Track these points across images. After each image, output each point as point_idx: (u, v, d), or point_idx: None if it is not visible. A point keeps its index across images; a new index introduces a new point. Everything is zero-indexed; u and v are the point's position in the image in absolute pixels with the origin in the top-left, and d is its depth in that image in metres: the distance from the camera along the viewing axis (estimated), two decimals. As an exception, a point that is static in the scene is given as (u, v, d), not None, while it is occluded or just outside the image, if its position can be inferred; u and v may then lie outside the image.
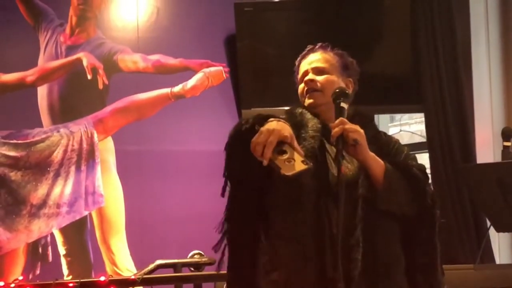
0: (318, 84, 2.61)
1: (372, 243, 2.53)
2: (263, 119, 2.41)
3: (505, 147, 4.14)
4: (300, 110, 2.65)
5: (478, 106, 4.79)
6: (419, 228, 2.64)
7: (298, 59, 2.75)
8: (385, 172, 2.53)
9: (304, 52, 2.75)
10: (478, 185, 3.91)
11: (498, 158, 4.34)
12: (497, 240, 4.55)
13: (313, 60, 2.68)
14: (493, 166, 4.12)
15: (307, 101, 2.63)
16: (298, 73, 2.72)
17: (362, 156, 2.48)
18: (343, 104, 2.49)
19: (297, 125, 2.57)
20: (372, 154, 2.52)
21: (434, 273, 2.67)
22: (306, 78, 2.63)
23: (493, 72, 4.83)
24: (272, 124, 2.32)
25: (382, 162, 2.53)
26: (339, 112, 2.47)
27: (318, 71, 2.65)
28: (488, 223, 4.09)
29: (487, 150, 4.71)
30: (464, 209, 4.44)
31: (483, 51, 4.83)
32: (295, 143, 2.31)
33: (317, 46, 2.75)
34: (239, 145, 2.45)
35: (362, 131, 2.45)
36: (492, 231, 4.23)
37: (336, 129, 2.39)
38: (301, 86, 2.66)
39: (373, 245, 2.54)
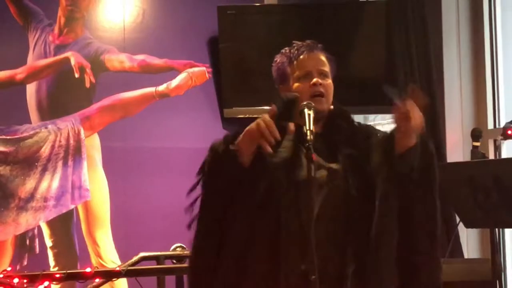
0: (323, 90, 2.60)
1: (362, 226, 2.51)
2: (233, 138, 2.48)
3: (474, 147, 4.18)
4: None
5: (448, 108, 4.84)
6: (417, 186, 2.57)
7: (295, 54, 2.67)
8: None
9: (297, 48, 2.69)
10: (448, 183, 3.81)
11: (467, 158, 4.40)
12: (466, 235, 4.59)
13: (317, 62, 2.66)
14: (463, 165, 4.16)
15: (320, 105, 2.57)
16: (297, 69, 2.65)
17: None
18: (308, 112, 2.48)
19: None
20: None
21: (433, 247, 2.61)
22: (315, 80, 2.59)
23: (463, 76, 4.88)
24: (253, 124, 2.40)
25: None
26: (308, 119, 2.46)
27: (323, 74, 2.63)
28: (458, 219, 4.13)
29: (457, 150, 4.75)
30: (435, 205, 4.43)
31: (454, 57, 4.87)
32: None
33: (310, 44, 2.70)
34: (217, 166, 2.54)
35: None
36: (461, 227, 4.26)
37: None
38: (305, 85, 2.61)
39: (363, 228, 2.52)
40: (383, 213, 2.53)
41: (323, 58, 2.68)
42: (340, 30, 4.81)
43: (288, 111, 2.58)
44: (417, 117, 2.39)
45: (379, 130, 2.78)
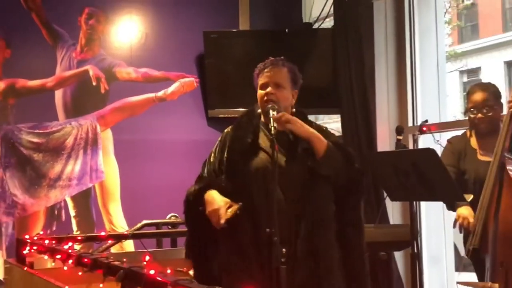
0: (275, 97, 2.61)
1: (313, 203, 2.59)
2: (203, 189, 2.60)
3: (398, 140, 4.25)
4: (259, 111, 2.71)
5: (379, 110, 4.90)
6: (349, 194, 2.70)
7: (261, 67, 2.71)
8: (327, 146, 2.55)
9: (265, 63, 2.71)
10: (378, 167, 3.76)
11: (392, 148, 4.48)
12: (391, 207, 4.63)
13: (275, 74, 2.66)
14: (389, 154, 4.10)
15: (269, 112, 2.57)
16: (259, 80, 2.69)
17: (304, 134, 2.56)
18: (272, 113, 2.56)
19: (257, 126, 2.70)
20: (316, 134, 2.57)
21: (360, 224, 2.76)
22: (267, 90, 2.62)
23: (390, 87, 4.95)
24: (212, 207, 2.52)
25: (325, 140, 2.57)
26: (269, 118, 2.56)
27: (276, 85, 2.63)
28: (385, 194, 4.09)
29: (385, 142, 4.81)
30: (368, 184, 4.39)
31: (383, 71, 4.94)
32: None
33: (276, 60, 2.72)
34: (192, 207, 2.66)
35: (291, 117, 2.55)
36: (387, 201, 4.31)
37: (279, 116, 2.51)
38: (261, 93, 2.65)
39: (313, 205, 2.60)
40: (325, 196, 2.66)
41: (284, 72, 2.69)
42: (298, 50, 4.85)
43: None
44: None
45: (326, 128, 2.84)
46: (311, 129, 2.61)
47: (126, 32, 5.14)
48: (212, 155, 2.77)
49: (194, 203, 2.64)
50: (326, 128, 2.86)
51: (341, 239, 2.69)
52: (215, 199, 2.56)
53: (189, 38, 5.09)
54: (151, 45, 5.15)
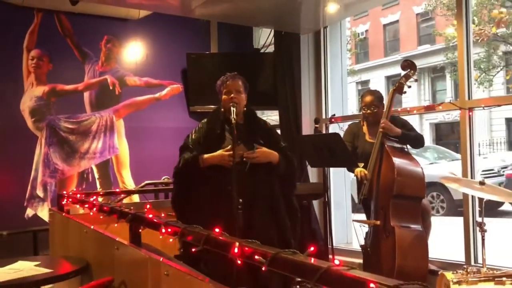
0: (236, 100, 2.60)
1: (260, 182, 2.59)
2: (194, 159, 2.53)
3: (316, 127, 4.20)
4: (222, 110, 2.67)
5: (303, 107, 4.89)
6: (286, 179, 2.71)
7: (224, 80, 2.67)
8: (279, 158, 2.60)
9: (226, 77, 2.69)
10: (303, 145, 3.87)
11: (312, 133, 4.38)
12: (311, 171, 4.64)
13: (234, 84, 2.65)
14: (311, 136, 4.19)
15: (231, 109, 2.55)
16: (224, 89, 2.66)
17: (266, 159, 2.57)
18: (233, 109, 2.54)
19: (224, 121, 2.65)
20: (273, 154, 2.58)
21: (292, 198, 2.74)
22: (232, 95, 2.59)
23: (311, 91, 4.96)
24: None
25: (277, 154, 2.59)
26: (231, 112, 2.53)
27: (236, 92, 2.63)
28: (307, 163, 4.14)
29: (308, 128, 4.79)
30: (296, 156, 4.45)
31: (306, 82, 4.95)
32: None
33: (233, 75, 2.69)
34: (182, 174, 2.58)
35: (257, 155, 2.53)
36: (308, 167, 4.36)
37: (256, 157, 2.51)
38: (226, 97, 2.61)
39: (260, 184, 2.59)
40: (269, 170, 2.62)
41: (240, 83, 2.68)
42: (251, 67, 4.81)
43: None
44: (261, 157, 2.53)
45: (271, 127, 2.86)
46: (268, 152, 2.61)
47: (133, 52, 5.04)
48: (194, 133, 2.72)
49: (192, 165, 2.56)
50: (272, 127, 2.86)
51: (283, 192, 2.69)
52: (213, 154, 2.54)
53: (177, 57, 5.02)
54: (150, 61, 5.08)
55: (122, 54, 4.97)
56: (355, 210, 4.63)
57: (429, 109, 4.44)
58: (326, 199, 3.59)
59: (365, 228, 3.50)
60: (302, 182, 4.37)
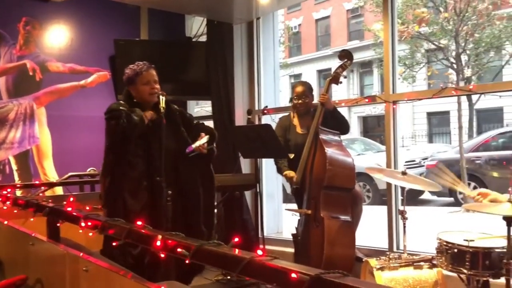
0: (157, 90, 2.67)
1: (186, 171, 2.67)
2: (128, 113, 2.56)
3: (248, 118, 4.31)
4: (135, 100, 2.71)
5: (236, 98, 4.88)
6: (206, 160, 2.78)
7: (137, 70, 2.69)
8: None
9: (139, 67, 2.69)
10: (236, 136, 3.90)
11: (245, 123, 4.45)
12: (243, 162, 4.64)
13: (151, 74, 2.70)
14: (243, 127, 4.15)
15: (153, 98, 2.63)
16: (143, 78, 2.68)
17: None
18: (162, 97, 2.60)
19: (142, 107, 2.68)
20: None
21: (212, 183, 2.83)
22: (155, 85, 2.66)
23: (244, 83, 4.94)
24: None
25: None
26: (161, 101, 2.60)
27: (155, 82, 2.69)
28: (239, 154, 4.18)
29: (240, 120, 4.81)
30: (229, 147, 4.47)
31: (239, 73, 4.93)
32: None
33: (150, 65, 2.73)
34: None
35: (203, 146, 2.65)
36: (241, 158, 4.35)
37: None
38: (146, 88, 2.65)
39: (185, 173, 2.68)
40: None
41: (154, 72, 2.73)
42: (182, 56, 4.76)
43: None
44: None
45: (190, 114, 2.99)
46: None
47: (57, 36, 4.74)
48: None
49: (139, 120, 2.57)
50: (181, 110, 2.91)
51: (202, 181, 2.77)
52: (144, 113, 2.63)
53: (104, 42, 4.79)
54: (75, 46, 4.81)
55: (43, 37, 4.66)
56: (286, 200, 4.75)
57: (357, 101, 4.58)
58: (258, 190, 3.62)
59: (297, 217, 3.55)
60: (234, 174, 4.40)
